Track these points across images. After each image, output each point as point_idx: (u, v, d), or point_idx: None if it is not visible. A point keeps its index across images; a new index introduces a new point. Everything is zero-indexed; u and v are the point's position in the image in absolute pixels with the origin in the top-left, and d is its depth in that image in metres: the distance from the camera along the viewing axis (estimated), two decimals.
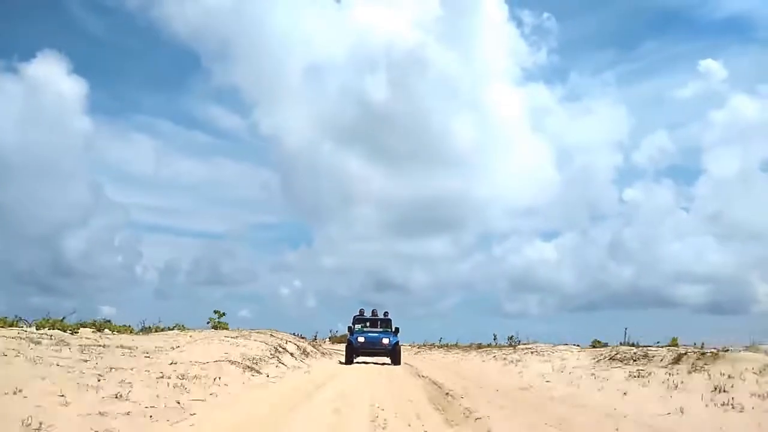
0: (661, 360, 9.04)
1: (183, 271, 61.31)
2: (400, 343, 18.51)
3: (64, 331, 11.46)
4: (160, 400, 5.56)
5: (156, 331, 16.60)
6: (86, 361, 7.70)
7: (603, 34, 76.94)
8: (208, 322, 21.15)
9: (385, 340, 17.80)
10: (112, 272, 54.38)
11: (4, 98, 51.47)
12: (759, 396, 5.85)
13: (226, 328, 20.21)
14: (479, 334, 35.64)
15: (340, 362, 17.43)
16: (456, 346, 27.15)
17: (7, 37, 68.37)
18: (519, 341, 21.28)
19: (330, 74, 60.75)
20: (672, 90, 69.58)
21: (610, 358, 10.58)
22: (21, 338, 8.41)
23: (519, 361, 13.08)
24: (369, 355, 18.11)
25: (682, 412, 5.76)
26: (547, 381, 9.15)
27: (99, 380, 6.18)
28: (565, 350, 13.88)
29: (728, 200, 50.42)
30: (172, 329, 18.09)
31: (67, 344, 8.91)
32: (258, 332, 18.19)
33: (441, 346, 28.53)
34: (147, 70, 75.79)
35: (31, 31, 64.68)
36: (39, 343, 8.39)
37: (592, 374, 9.04)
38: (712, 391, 6.28)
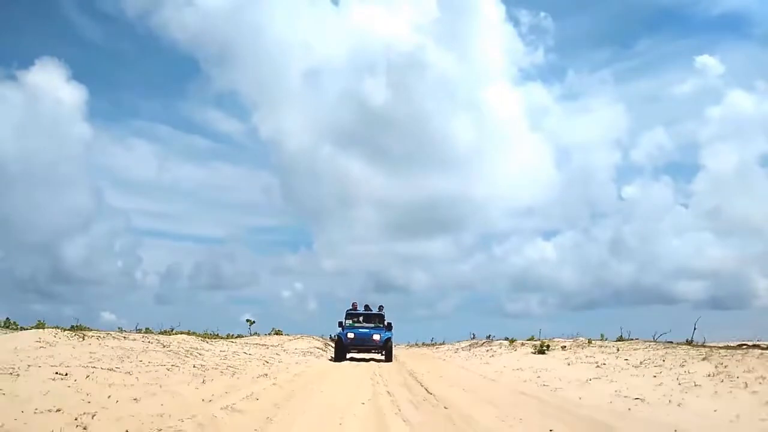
0: (484, 343, 23.08)
1: (184, 275, 59.57)
2: (392, 339, 18.36)
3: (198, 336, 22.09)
4: (314, 358, 19.46)
5: (236, 338, 28.92)
6: (263, 347, 21.50)
7: (600, 32, 75.16)
8: (270, 331, 33.31)
9: (376, 336, 17.79)
10: (112, 278, 53.80)
11: (4, 105, 50.67)
12: (486, 351, 19.99)
13: (282, 334, 32.84)
14: (477, 335, 32.69)
15: (330, 359, 18.19)
16: (443, 344, 32.09)
17: (5, 45, 67.08)
18: (492, 338, 25.09)
19: (329, 77, 60.32)
20: (669, 87, 67.05)
21: (472, 345, 24.59)
22: (200, 341, 21.79)
23: (440, 348, 27.09)
24: (360, 352, 18.27)
25: (466, 360, 19.83)
26: (434, 352, 23.23)
27: (291, 356, 20.01)
28: (466, 341, 27.92)
29: (727, 196, 50.24)
30: (252, 335, 30.28)
31: (233, 342, 22.13)
32: (304, 336, 30.61)
33: (429, 345, 34.04)
34: (146, 75, 74.66)
35: (30, 38, 65.17)
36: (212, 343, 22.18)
37: (457, 350, 23.03)
38: (487, 353, 20.41)
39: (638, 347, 13.64)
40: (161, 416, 5.64)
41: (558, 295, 55.94)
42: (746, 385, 7.15)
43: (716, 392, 7.16)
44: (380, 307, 19.31)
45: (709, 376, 8.12)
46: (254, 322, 28.68)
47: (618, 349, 13.77)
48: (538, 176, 59.76)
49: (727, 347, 12.22)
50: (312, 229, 71.89)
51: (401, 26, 57.93)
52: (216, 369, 10.02)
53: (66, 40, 68.28)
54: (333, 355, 18.38)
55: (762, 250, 47.39)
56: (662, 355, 11.04)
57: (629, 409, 6.92)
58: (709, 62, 55.80)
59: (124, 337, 12.07)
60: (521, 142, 59.67)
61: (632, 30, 71.04)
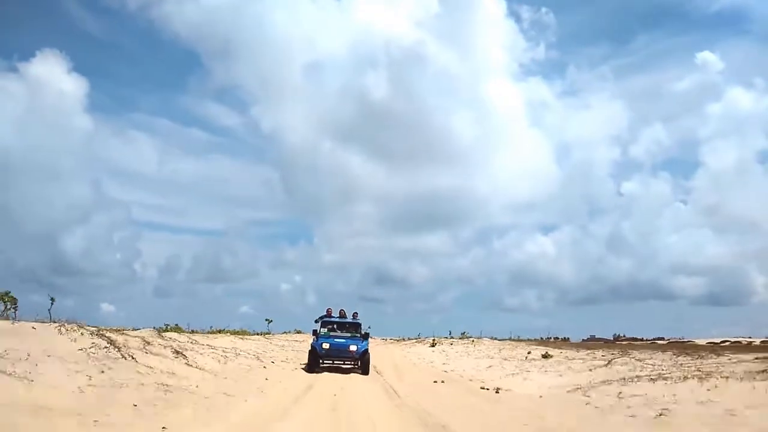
0: (419, 340, 40.04)
1: (183, 268, 60.84)
2: (369, 350, 17.12)
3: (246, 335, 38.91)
4: None
5: (266, 334, 45.63)
6: (296, 342, 38.21)
7: (601, 28, 77.93)
8: (292, 330, 48.63)
9: (353, 347, 16.60)
10: (111, 270, 54.52)
11: (5, 97, 51.23)
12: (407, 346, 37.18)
13: (301, 332, 48.39)
14: (474, 329, 39.07)
15: (303, 369, 16.90)
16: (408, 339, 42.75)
17: (7, 37, 68.87)
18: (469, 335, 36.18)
19: (330, 72, 61.84)
20: (669, 83, 70.12)
21: (416, 341, 41.49)
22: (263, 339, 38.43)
23: (399, 341, 43.98)
24: (334, 363, 16.80)
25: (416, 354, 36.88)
26: (394, 344, 40.27)
27: None
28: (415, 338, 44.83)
29: (726, 192, 51.40)
30: (290, 332, 45.72)
31: (278, 338, 38.66)
32: None
33: (414, 339, 42.06)
34: (147, 69, 77.18)
35: (31, 31, 66.23)
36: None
37: (404, 344, 39.97)
38: (409, 346, 37.48)
39: (487, 342, 30.50)
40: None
41: (556, 291, 58.75)
42: (467, 354, 24.04)
43: (464, 356, 24.11)
44: (354, 315, 18.55)
45: (464, 350, 25.05)
46: (271, 321, 36.09)
47: (473, 342, 30.63)
48: (537, 172, 62.23)
49: (712, 344, 20.90)
50: (312, 223, 77.27)
51: (402, 21, 60.81)
52: (296, 350, 26.73)
53: (67, 33, 70.01)
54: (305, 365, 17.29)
55: (760, 246, 48.99)
56: (481, 347, 27.63)
57: (431, 362, 23.57)
58: (709, 59, 57.19)
59: (248, 337, 28.83)
60: (521, 137, 61.80)
61: (632, 26, 73.39)
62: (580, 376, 12.22)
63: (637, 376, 10.66)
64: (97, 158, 68.86)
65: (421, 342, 38.43)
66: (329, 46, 63.72)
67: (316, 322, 18.10)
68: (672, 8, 72.19)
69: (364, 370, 16.52)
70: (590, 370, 13.85)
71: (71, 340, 8.57)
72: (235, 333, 27.72)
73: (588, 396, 9.44)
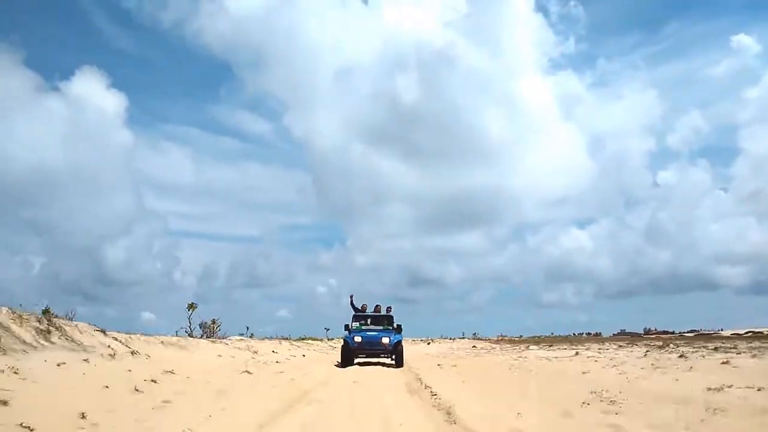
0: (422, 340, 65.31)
1: (220, 275, 59.82)
2: (402, 342, 17.22)
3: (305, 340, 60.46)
4: None
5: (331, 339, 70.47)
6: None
7: (630, 17, 74.12)
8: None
9: (385, 339, 16.71)
10: (151, 279, 53.49)
11: (50, 116, 50.52)
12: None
13: None
14: (509, 328, 43.98)
15: (336, 364, 16.84)
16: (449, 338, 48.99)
17: (46, 57, 69.14)
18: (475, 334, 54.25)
19: (360, 76, 61.38)
20: (704, 68, 66.99)
21: (421, 340, 66.69)
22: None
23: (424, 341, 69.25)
24: (368, 356, 17.08)
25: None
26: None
27: None
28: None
29: None
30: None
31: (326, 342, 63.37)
32: None
33: (438, 339, 49.54)
34: (182, 82, 76.97)
35: (69, 50, 67.63)
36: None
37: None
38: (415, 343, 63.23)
39: (464, 341, 55.19)
40: None
41: (594, 285, 57.52)
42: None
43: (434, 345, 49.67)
44: (389, 309, 18.46)
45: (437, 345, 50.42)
46: (329, 329, 40.23)
47: (453, 341, 55.63)
48: (571, 165, 62.19)
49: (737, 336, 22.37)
50: (345, 225, 73.64)
51: (431, 23, 60.46)
52: None
53: (103, 50, 71.58)
54: (339, 361, 17.30)
55: None
56: (455, 344, 52.05)
57: (418, 350, 48.25)
58: (745, 41, 55.23)
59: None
60: (554, 132, 61.32)
61: (662, 12, 71.18)
62: (455, 350, 37.78)
63: (472, 352, 36.04)
64: (137, 171, 69.12)
65: (424, 341, 62.94)
66: (359, 50, 65.12)
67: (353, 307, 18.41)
68: None
69: (398, 362, 16.59)
70: (471, 349, 38.96)
71: (313, 342, 34.40)
72: (313, 340, 35.58)
73: (444, 353, 34.84)
